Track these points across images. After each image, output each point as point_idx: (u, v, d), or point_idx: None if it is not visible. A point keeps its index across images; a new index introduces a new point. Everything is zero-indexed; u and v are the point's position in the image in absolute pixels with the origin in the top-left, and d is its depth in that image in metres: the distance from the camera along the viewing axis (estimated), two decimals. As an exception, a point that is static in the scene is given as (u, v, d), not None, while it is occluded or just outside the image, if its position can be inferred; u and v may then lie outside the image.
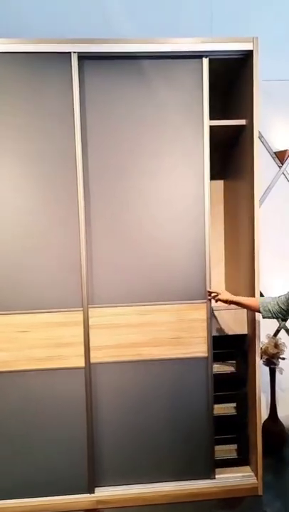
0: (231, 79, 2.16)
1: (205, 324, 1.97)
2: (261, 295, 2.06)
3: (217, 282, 2.45)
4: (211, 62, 1.90)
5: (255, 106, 1.87)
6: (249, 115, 1.93)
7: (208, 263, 1.96)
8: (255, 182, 1.93)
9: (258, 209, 1.94)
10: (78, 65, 1.83)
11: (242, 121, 1.99)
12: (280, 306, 1.71)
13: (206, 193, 1.95)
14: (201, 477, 2.03)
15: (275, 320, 2.61)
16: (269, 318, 1.78)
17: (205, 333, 1.98)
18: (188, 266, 1.96)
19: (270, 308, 1.74)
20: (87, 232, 1.90)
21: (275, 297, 1.75)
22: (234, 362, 2.15)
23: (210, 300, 1.97)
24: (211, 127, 1.94)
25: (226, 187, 2.40)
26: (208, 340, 1.98)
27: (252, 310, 1.89)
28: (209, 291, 1.96)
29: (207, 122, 1.92)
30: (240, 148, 2.10)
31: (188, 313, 1.97)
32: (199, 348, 1.98)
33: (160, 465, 2.01)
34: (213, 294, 1.95)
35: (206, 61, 1.89)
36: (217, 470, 2.08)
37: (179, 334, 1.97)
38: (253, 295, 1.96)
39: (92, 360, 1.92)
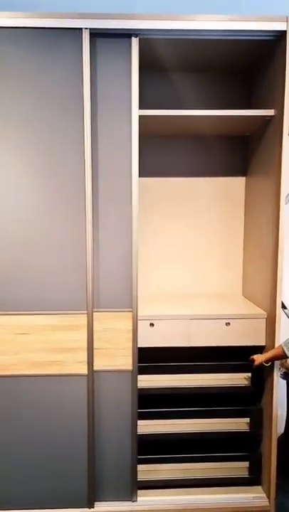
0: (257, 64, 1.97)
1: (130, 335, 1.80)
2: (283, 306, 1.89)
3: (234, 284, 2.29)
4: (238, 43, 1.71)
5: (287, 94, 1.67)
6: (279, 105, 1.73)
7: (134, 272, 1.78)
8: (282, 179, 1.74)
9: (284, 208, 1.75)
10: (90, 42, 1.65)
11: (270, 112, 1.79)
12: None
13: (133, 193, 1.75)
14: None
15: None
16: None
17: (130, 344, 1.80)
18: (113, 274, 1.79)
19: None
20: (95, 232, 1.75)
21: None
22: (249, 375, 1.98)
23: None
24: (224, 117, 1.79)
25: (247, 184, 2.21)
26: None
27: (283, 358, 1.78)
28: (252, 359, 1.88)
29: (136, 112, 1.71)
30: (266, 142, 1.91)
31: (111, 323, 1.79)
32: (122, 360, 1.81)
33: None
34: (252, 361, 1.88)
35: (135, 41, 1.68)
36: (227, 489, 1.94)
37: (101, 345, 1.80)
38: (273, 300, 1.79)
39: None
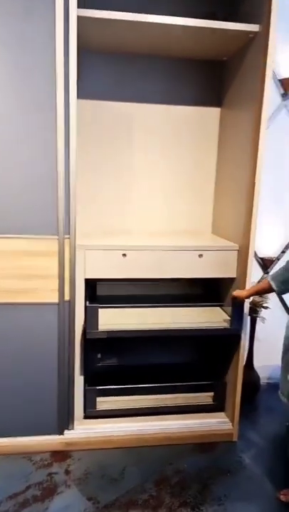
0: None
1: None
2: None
3: (203, 221, 2.26)
4: None
5: (273, 8, 1.58)
6: (264, 20, 1.61)
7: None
8: (264, 109, 1.67)
9: (263, 140, 1.71)
10: None
11: (254, 27, 1.67)
12: None
13: (71, 111, 1.60)
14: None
15: (258, 267, 2.49)
16: (285, 291, 1.61)
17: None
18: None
19: (280, 279, 1.57)
20: (67, 145, 1.62)
21: (282, 267, 1.59)
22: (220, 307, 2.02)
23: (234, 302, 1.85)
24: (195, 30, 1.60)
25: (222, 116, 2.14)
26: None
27: (268, 292, 1.71)
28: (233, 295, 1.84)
29: (74, 12, 1.52)
30: (247, 67, 1.82)
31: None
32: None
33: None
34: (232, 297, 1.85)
35: None
36: (191, 415, 2.01)
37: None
38: (247, 232, 1.79)
39: None
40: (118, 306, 1.94)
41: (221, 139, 2.15)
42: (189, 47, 1.89)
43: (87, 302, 1.78)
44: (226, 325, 1.88)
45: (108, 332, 1.73)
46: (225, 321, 1.91)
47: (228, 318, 1.89)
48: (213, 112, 2.15)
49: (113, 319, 1.83)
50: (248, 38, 1.75)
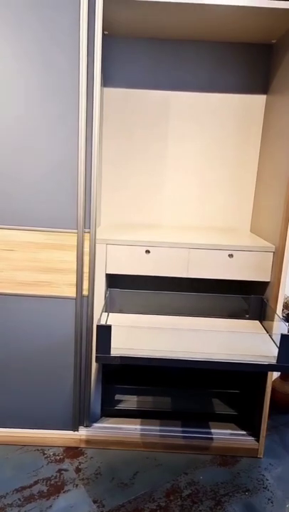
0: None
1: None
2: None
3: (243, 217, 2.09)
4: None
5: None
6: None
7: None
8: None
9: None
10: None
11: (303, 5, 1.50)
12: None
13: (95, 100, 1.50)
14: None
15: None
16: None
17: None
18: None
19: None
20: (88, 136, 1.55)
21: None
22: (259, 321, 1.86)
23: None
24: (240, 11, 1.43)
25: (268, 103, 1.94)
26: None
27: None
28: None
29: None
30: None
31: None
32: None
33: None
34: None
35: None
36: (215, 424, 1.89)
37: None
38: (284, 233, 1.61)
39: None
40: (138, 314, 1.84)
41: (265, 129, 1.96)
42: (232, 29, 1.71)
43: (100, 321, 1.54)
44: (271, 360, 1.47)
45: (121, 358, 1.45)
46: (269, 351, 1.53)
47: (272, 343, 1.60)
48: (258, 100, 1.95)
49: (130, 337, 1.60)
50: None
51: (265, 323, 1.80)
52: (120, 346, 1.46)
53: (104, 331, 1.42)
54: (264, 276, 1.75)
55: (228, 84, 1.94)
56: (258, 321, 1.86)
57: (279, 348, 1.44)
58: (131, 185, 2.03)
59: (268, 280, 1.75)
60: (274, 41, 1.84)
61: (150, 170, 2.02)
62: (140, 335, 1.61)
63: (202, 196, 2.07)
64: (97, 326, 1.43)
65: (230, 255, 1.71)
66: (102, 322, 1.49)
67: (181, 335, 1.63)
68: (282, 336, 1.42)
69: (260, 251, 1.73)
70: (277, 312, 1.68)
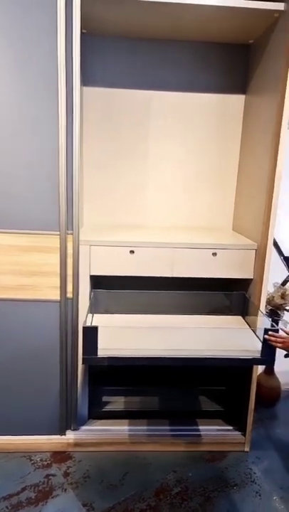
0: None
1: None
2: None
3: (225, 215, 2.11)
4: None
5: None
6: None
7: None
8: (287, 95, 1.50)
9: (285, 133, 1.54)
10: None
11: (279, 5, 1.51)
12: None
13: (75, 100, 1.48)
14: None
15: (284, 268, 2.32)
16: None
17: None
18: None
19: None
20: (68, 136, 1.53)
21: None
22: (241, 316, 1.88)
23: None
24: (216, 11, 1.44)
25: (247, 103, 1.97)
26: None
27: None
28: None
29: None
30: (271, 51, 1.65)
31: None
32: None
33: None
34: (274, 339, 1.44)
35: None
36: (201, 421, 1.91)
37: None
38: (266, 231, 1.64)
39: None
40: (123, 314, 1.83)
41: (245, 128, 1.98)
42: (211, 29, 1.73)
43: (85, 322, 1.52)
44: (255, 354, 1.50)
45: (109, 359, 1.44)
46: (252, 346, 1.55)
47: (256, 338, 1.63)
48: (238, 100, 1.98)
49: (117, 338, 1.58)
50: (274, 18, 1.58)
51: (248, 318, 1.83)
52: (107, 347, 1.44)
53: (91, 332, 1.40)
54: (247, 274, 1.77)
55: (209, 84, 1.95)
56: (240, 317, 1.88)
57: (262, 342, 1.47)
58: (114, 185, 2.01)
59: (251, 277, 1.77)
60: (251, 41, 1.86)
61: (134, 170, 2.01)
62: (126, 335, 1.60)
63: (186, 196, 2.07)
64: (84, 328, 1.41)
65: (214, 253, 1.73)
66: (88, 323, 1.48)
67: (167, 333, 1.63)
68: (266, 330, 1.46)
69: (243, 249, 1.75)
70: (261, 308, 1.71)
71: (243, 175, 2.00)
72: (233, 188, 2.08)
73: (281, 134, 1.54)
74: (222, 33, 1.78)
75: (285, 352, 1.48)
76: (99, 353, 1.42)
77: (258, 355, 1.50)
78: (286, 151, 1.58)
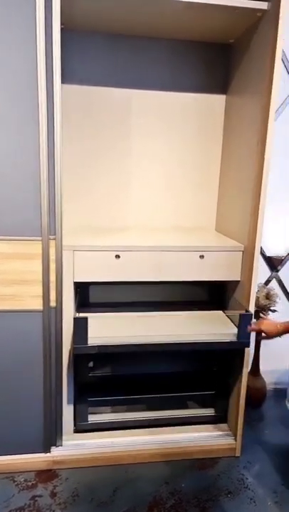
0: None
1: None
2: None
3: (208, 215, 2.08)
4: None
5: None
6: None
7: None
8: (272, 96, 1.48)
9: (272, 127, 1.53)
10: None
11: (262, 4, 1.49)
12: None
13: (56, 99, 1.42)
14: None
15: (266, 267, 2.32)
16: None
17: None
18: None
19: None
20: (49, 136, 1.44)
21: None
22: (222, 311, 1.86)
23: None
24: (198, 7, 1.42)
25: (228, 103, 1.95)
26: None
27: None
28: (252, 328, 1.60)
29: None
30: (254, 50, 1.63)
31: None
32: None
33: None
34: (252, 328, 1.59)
35: None
36: (190, 428, 1.86)
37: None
38: (253, 232, 1.61)
39: None
40: (110, 312, 1.78)
41: (227, 128, 1.96)
42: (191, 27, 1.69)
43: (76, 313, 1.63)
44: (232, 337, 1.65)
45: (99, 347, 1.56)
46: (230, 330, 1.70)
47: (234, 326, 1.71)
48: (218, 100, 1.95)
49: (105, 328, 1.67)
50: (256, 18, 1.56)
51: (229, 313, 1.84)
52: (96, 336, 1.58)
53: (81, 323, 1.53)
54: (234, 276, 1.74)
55: (189, 83, 1.92)
56: (221, 311, 1.89)
57: (238, 326, 1.63)
58: (96, 186, 1.94)
59: (239, 279, 1.74)
60: (232, 41, 1.84)
61: (115, 170, 1.95)
62: (114, 326, 1.71)
63: (168, 196, 2.03)
64: (74, 319, 1.55)
65: (202, 256, 1.69)
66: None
67: (152, 322, 1.77)
68: (241, 315, 1.62)
69: (230, 250, 1.72)
70: (250, 309, 1.68)
71: (225, 175, 1.98)
72: (215, 188, 2.06)
73: (268, 137, 1.52)
74: (202, 32, 1.75)
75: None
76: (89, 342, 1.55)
77: (234, 338, 1.66)
78: (272, 149, 1.56)
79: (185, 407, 1.92)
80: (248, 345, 1.68)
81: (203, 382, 1.94)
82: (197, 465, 1.76)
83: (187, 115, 1.95)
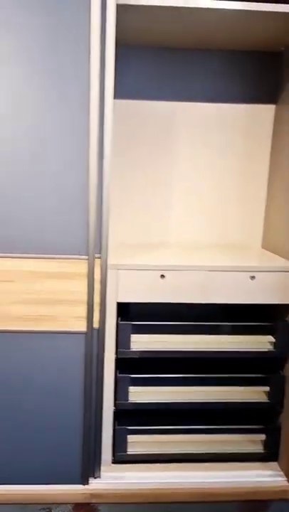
0: None
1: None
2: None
3: (254, 232, 1.97)
4: None
5: None
6: None
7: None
8: None
9: None
10: None
11: None
12: None
13: (107, 114, 1.36)
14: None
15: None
16: None
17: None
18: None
19: None
20: (100, 152, 1.39)
21: None
22: (272, 338, 1.71)
23: None
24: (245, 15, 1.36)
25: (277, 114, 1.86)
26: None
27: None
28: None
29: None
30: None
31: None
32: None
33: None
34: None
35: None
36: (237, 465, 1.71)
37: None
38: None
39: None
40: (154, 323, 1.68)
41: (276, 139, 1.86)
42: (244, 37, 1.63)
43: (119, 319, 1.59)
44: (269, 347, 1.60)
45: (141, 352, 1.59)
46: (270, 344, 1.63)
47: None
48: (268, 110, 1.87)
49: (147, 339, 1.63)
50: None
51: None
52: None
53: (125, 328, 1.57)
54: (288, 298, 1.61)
55: (236, 93, 1.85)
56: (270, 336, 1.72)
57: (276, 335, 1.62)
58: (137, 201, 1.89)
59: (292, 303, 1.61)
60: (283, 49, 1.77)
61: (157, 185, 1.89)
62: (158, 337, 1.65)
63: (211, 212, 1.94)
64: (118, 324, 1.57)
65: (252, 277, 1.57)
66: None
67: (194, 340, 1.68)
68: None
69: (284, 271, 1.59)
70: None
71: (273, 189, 1.87)
72: (262, 203, 1.95)
73: None
74: (253, 41, 1.68)
75: None
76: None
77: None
78: None
79: (232, 441, 1.77)
80: (284, 354, 1.62)
81: (251, 414, 1.79)
82: (244, 509, 1.60)
83: (233, 126, 1.88)
